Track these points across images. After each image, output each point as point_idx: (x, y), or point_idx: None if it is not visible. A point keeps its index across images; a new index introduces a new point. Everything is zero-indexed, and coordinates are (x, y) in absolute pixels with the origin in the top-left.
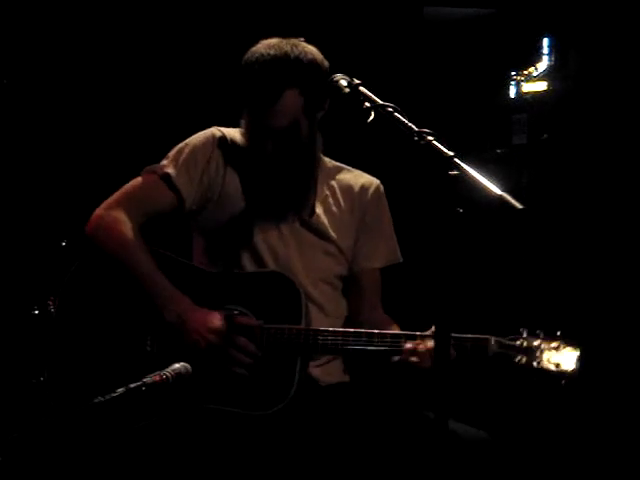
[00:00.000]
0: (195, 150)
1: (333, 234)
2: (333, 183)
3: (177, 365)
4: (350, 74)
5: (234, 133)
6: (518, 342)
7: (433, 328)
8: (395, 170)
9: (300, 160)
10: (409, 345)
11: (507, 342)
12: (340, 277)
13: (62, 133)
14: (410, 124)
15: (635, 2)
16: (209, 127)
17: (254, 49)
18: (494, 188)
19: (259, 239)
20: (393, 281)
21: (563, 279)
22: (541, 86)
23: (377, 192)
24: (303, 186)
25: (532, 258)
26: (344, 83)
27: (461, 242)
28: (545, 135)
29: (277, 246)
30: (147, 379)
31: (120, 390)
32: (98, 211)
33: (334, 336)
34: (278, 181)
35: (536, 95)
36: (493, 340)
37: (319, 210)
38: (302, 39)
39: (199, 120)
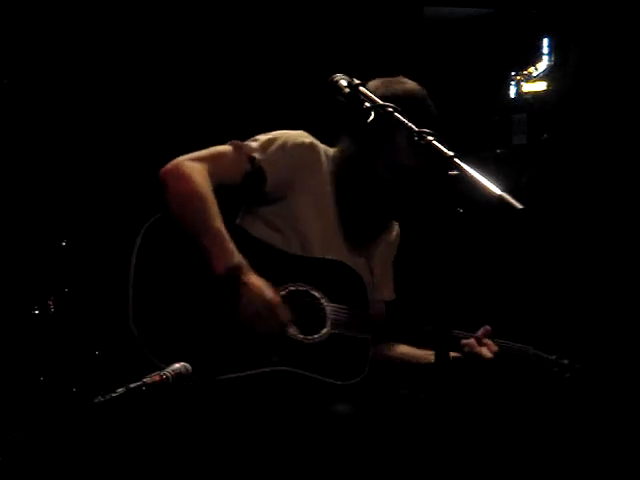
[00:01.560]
0: (287, 143)
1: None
2: None
3: (177, 365)
4: (350, 74)
5: (324, 147)
6: (552, 357)
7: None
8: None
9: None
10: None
11: (544, 355)
12: None
13: (62, 133)
14: (410, 124)
15: (635, 2)
16: (207, 130)
17: (410, 86)
18: (494, 188)
19: (316, 239)
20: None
21: (561, 280)
22: (541, 86)
23: (397, 234)
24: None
25: (531, 258)
26: (344, 83)
27: (461, 242)
28: (545, 135)
29: (329, 252)
30: (147, 379)
31: (120, 390)
32: (178, 159)
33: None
34: (376, 211)
35: (536, 95)
36: (532, 350)
37: None
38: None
39: (197, 123)
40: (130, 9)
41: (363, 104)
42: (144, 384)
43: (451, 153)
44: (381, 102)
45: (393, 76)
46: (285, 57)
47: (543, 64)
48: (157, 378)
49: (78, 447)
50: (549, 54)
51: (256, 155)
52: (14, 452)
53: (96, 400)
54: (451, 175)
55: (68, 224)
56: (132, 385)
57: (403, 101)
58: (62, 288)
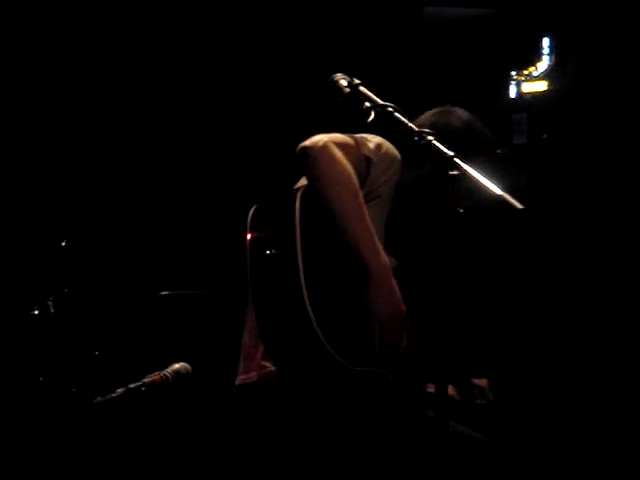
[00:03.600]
0: (388, 153)
1: None
2: None
3: (177, 365)
4: (350, 74)
5: None
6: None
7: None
8: None
9: None
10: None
11: None
12: None
13: (62, 133)
14: (410, 124)
15: (635, 2)
16: (207, 131)
17: (469, 116)
18: (494, 188)
19: None
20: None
21: (560, 279)
22: (541, 86)
23: None
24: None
25: (531, 257)
26: (344, 83)
27: (461, 242)
28: (545, 135)
29: None
30: (147, 379)
31: (120, 390)
32: (320, 138)
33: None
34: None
35: (536, 95)
36: None
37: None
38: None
39: (196, 124)
40: (132, 9)
41: (363, 104)
42: (144, 384)
43: (451, 153)
44: (381, 102)
45: (442, 106)
46: (285, 57)
47: (543, 64)
48: (157, 378)
49: (78, 447)
50: (549, 54)
51: (372, 157)
52: (16, 451)
53: (96, 400)
54: (451, 175)
55: (68, 224)
56: (132, 385)
57: (466, 131)
58: (62, 288)
